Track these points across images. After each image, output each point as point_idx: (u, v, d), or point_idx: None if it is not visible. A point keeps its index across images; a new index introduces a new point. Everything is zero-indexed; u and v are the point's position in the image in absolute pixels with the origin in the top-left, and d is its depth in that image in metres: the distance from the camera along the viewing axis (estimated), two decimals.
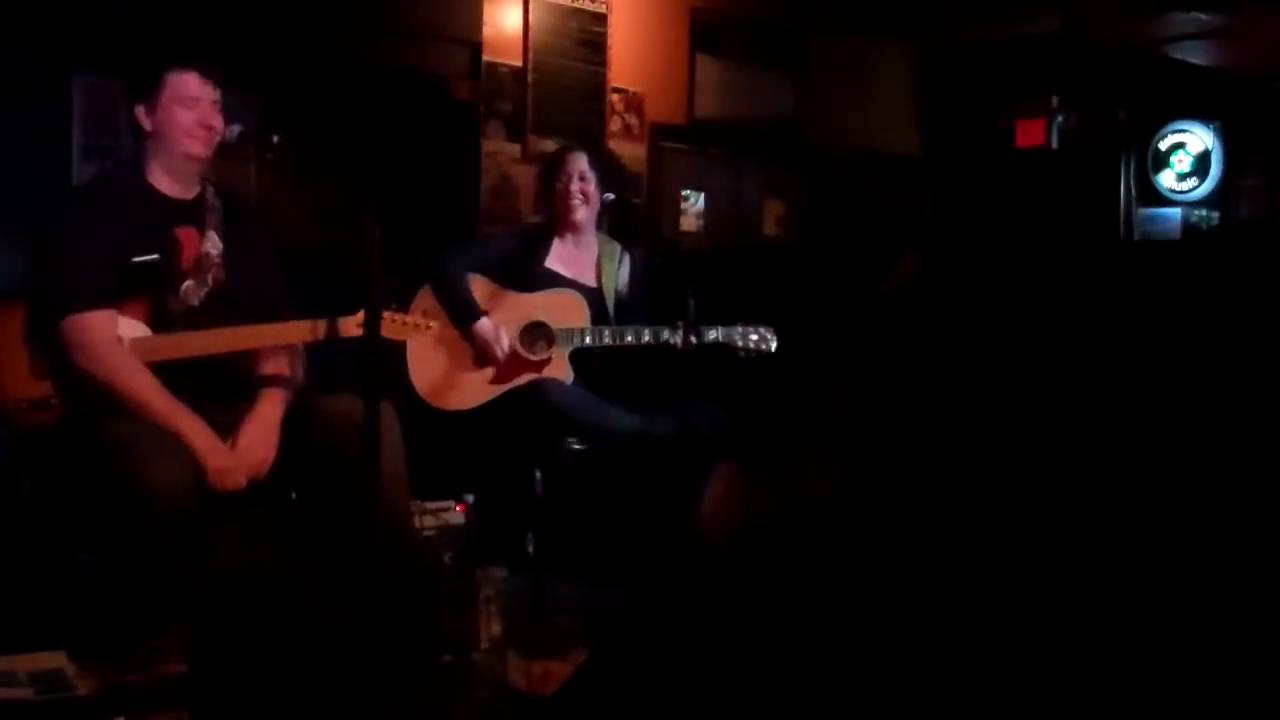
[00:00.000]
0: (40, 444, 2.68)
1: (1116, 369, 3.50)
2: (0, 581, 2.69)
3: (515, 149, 4.61)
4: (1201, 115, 6.33)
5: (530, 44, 4.61)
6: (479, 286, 3.58)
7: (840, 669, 2.66)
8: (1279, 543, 2.96)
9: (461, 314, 3.50)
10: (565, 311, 3.56)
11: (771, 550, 3.49)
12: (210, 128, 2.79)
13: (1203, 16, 5.93)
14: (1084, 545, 3.16)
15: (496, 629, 2.85)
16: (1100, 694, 2.55)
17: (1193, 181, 6.35)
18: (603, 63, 4.86)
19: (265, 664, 2.55)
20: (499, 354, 3.49)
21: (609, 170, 3.72)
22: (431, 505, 3.30)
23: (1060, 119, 6.37)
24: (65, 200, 2.98)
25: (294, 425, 2.85)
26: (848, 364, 4.25)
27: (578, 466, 3.46)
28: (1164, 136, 6.40)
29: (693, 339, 3.33)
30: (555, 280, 3.64)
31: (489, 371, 3.52)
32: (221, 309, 2.84)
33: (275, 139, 2.80)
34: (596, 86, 4.85)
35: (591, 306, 3.61)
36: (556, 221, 3.71)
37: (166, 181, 2.85)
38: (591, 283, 3.70)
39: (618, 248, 3.78)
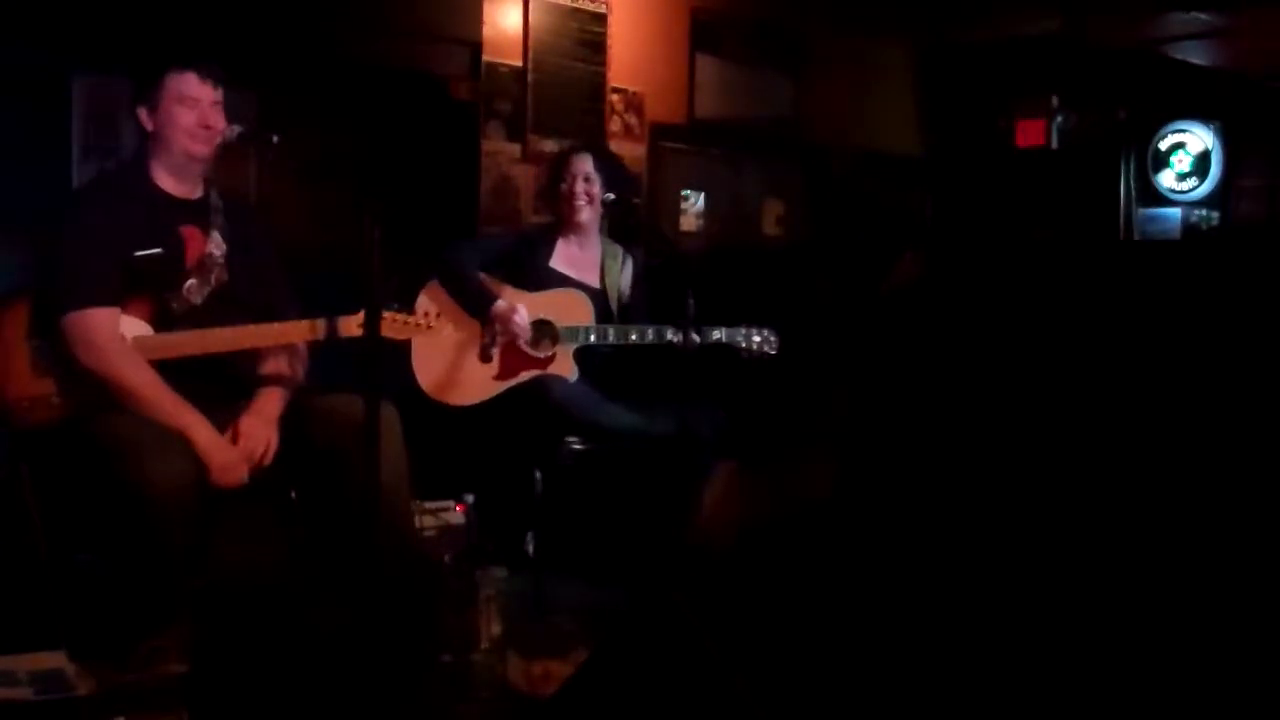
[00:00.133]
0: (41, 442, 2.69)
1: (1116, 369, 3.50)
2: (0, 581, 2.70)
3: (515, 149, 4.60)
4: (1201, 115, 6.34)
5: (530, 44, 4.61)
6: (485, 284, 3.60)
7: (840, 669, 2.66)
8: (1279, 542, 2.96)
9: (476, 301, 3.52)
10: (570, 310, 3.58)
11: (771, 550, 3.49)
12: (209, 127, 2.80)
13: (1203, 16, 5.93)
14: (1084, 544, 3.17)
15: (496, 629, 2.85)
16: (1100, 693, 2.55)
17: (1193, 181, 6.35)
18: (603, 63, 4.86)
19: (265, 664, 2.55)
20: (520, 328, 3.48)
21: (612, 172, 3.73)
22: (431, 505, 3.30)
23: (1060, 119, 6.37)
24: (70, 197, 2.99)
25: (294, 424, 2.85)
26: (848, 364, 4.25)
27: (578, 466, 3.46)
28: (1164, 136, 6.40)
29: (696, 338, 3.37)
30: (560, 280, 3.66)
31: (494, 367, 3.54)
32: (223, 309, 2.85)
33: (275, 139, 2.80)
34: (596, 86, 4.84)
35: (595, 306, 3.63)
36: (561, 222, 3.73)
37: (170, 181, 2.86)
38: (595, 283, 3.71)
39: (620, 250, 3.79)
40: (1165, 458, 3.28)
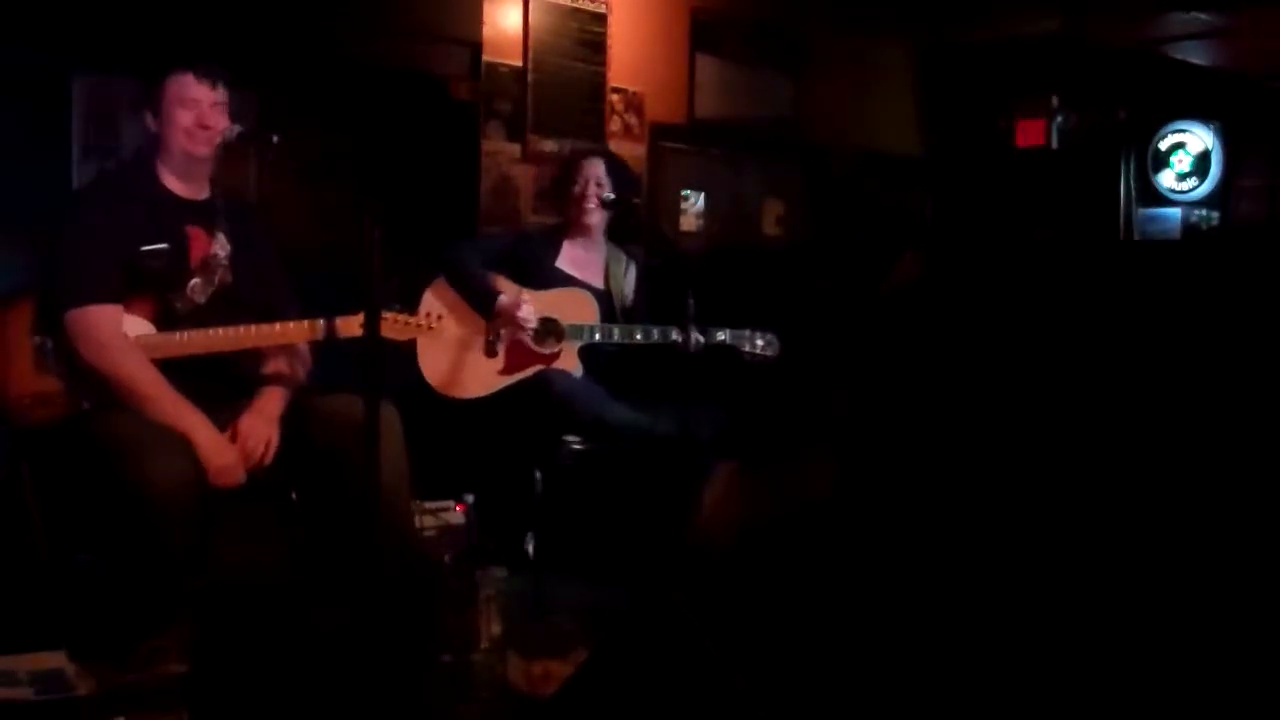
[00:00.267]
0: (42, 440, 2.69)
1: (1116, 369, 3.50)
2: (0, 581, 2.70)
3: (515, 149, 4.60)
4: (1201, 115, 6.33)
5: (530, 44, 4.60)
6: (493, 282, 3.62)
7: (840, 669, 2.66)
8: (1278, 542, 2.96)
9: (482, 298, 3.55)
10: (576, 309, 3.61)
11: (771, 550, 3.50)
12: (207, 128, 2.81)
13: (1203, 16, 5.92)
14: (1084, 545, 3.17)
15: (496, 629, 2.85)
16: (1100, 693, 2.56)
17: (1193, 181, 6.35)
18: (603, 63, 4.85)
19: (265, 664, 2.55)
20: (524, 321, 3.50)
21: (621, 177, 3.77)
22: (431, 505, 3.31)
23: (1060, 119, 6.37)
24: (76, 194, 3.00)
25: (294, 424, 2.86)
26: (848, 364, 4.25)
27: (578, 466, 3.47)
28: (1164, 136, 6.40)
29: (700, 339, 3.40)
30: (566, 280, 3.69)
31: (499, 362, 3.57)
32: (226, 309, 2.86)
33: (275, 139, 2.81)
34: (596, 86, 4.84)
35: (600, 307, 3.66)
36: (568, 224, 3.77)
37: (177, 182, 2.88)
38: (600, 285, 3.75)
39: (624, 256, 3.84)
40: (1165, 458, 3.28)
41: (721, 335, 3.54)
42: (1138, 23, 6.12)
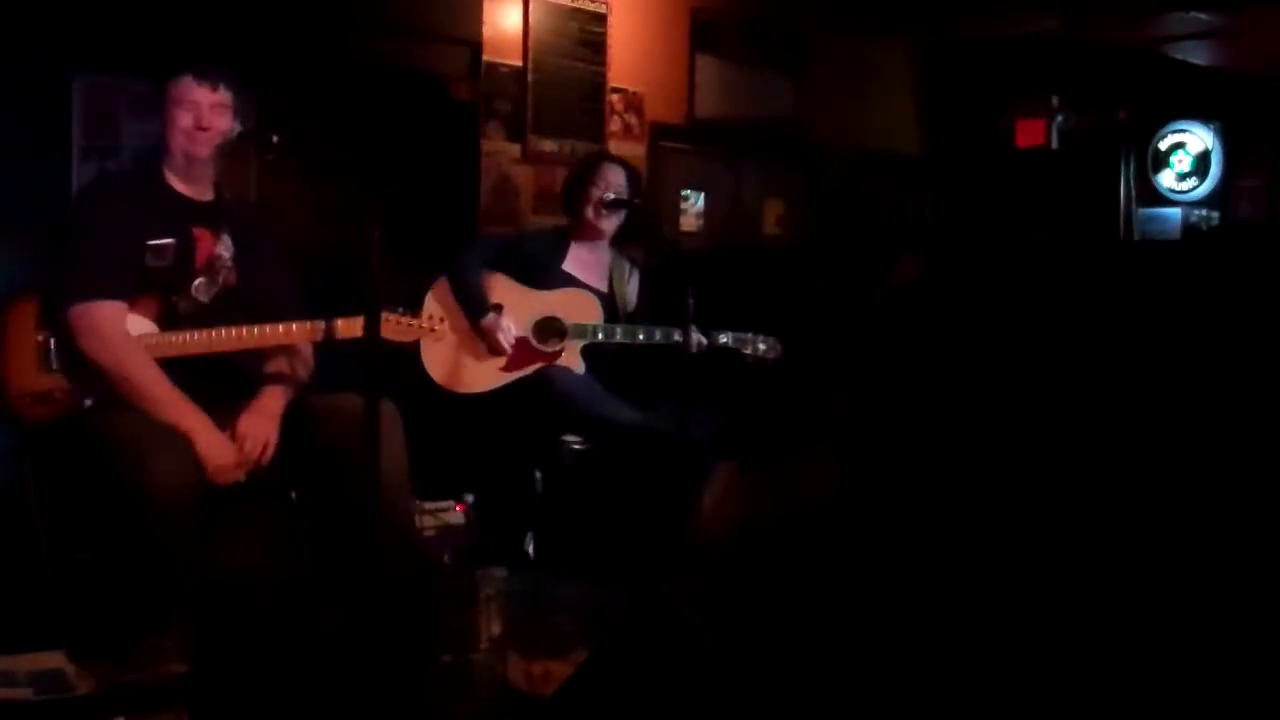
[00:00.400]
0: (43, 438, 2.69)
1: (1116, 369, 3.50)
2: (0, 581, 2.70)
3: (515, 149, 4.60)
4: (1201, 115, 6.33)
5: (530, 44, 4.61)
6: (498, 282, 3.65)
7: (840, 669, 2.66)
8: (1278, 542, 2.96)
9: (471, 309, 3.57)
10: (579, 309, 3.63)
11: (771, 550, 3.49)
12: (205, 129, 2.81)
13: (1203, 16, 5.93)
14: (1084, 545, 3.16)
15: (496, 629, 2.85)
16: (1100, 693, 2.56)
17: (1193, 181, 6.35)
18: (603, 63, 4.86)
19: (265, 664, 2.55)
20: (505, 347, 3.55)
21: (634, 184, 3.79)
22: (431, 505, 3.31)
23: (1060, 119, 6.37)
24: (83, 190, 3.00)
25: (294, 424, 2.86)
26: (848, 364, 4.25)
27: (578, 466, 3.47)
28: (1164, 136, 6.40)
29: (704, 340, 3.42)
30: (571, 282, 3.72)
31: (502, 359, 3.58)
32: (229, 309, 2.87)
33: (275, 139, 2.81)
34: (596, 86, 4.84)
35: (604, 310, 3.68)
36: (578, 226, 3.78)
37: (182, 183, 2.89)
38: (604, 288, 3.77)
39: (628, 263, 3.86)
40: (1165, 458, 3.28)
41: (724, 338, 3.57)
42: (1138, 23, 6.13)
